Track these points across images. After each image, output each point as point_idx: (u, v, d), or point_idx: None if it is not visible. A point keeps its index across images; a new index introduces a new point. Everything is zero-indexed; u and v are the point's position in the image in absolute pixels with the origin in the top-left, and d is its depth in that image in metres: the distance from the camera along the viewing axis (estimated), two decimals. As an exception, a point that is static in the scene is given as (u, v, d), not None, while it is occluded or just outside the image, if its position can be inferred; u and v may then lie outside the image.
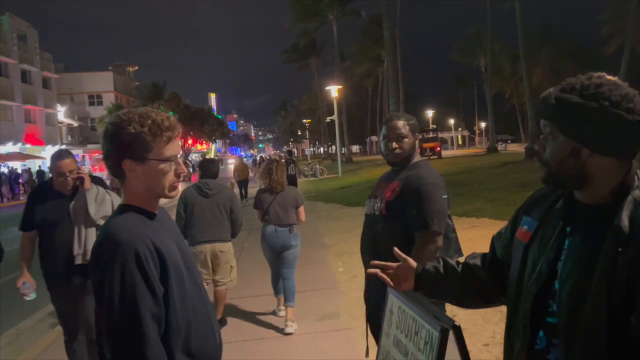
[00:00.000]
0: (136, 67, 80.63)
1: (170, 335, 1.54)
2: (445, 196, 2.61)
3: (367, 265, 2.73)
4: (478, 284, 1.67)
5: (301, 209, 5.27)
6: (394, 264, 1.79)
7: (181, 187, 1.87)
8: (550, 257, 1.34)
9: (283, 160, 6.30)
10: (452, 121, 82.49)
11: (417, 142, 2.73)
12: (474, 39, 53.30)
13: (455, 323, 1.79)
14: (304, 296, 6.07)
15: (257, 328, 5.13)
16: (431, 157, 37.94)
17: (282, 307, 5.23)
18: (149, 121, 1.59)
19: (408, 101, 41.04)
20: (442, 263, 1.74)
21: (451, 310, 4.94)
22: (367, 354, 2.76)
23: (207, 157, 6.65)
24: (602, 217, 1.26)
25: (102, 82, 65.05)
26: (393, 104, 20.05)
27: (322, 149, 78.95)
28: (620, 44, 36.48)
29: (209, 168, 5.14)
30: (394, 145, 2.66)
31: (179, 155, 1.67)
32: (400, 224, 2.54)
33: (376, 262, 1.82)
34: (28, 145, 41.56)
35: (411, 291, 1.87)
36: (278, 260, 5.22)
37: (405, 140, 2.66)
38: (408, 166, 2.67)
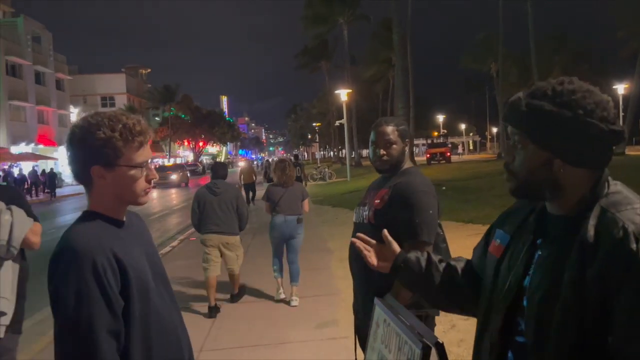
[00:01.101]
0: (149, 70, 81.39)
1: (133, 351, 1.46)
2: (436, 205, 2.51)
3: (355, 275, 2.65)
4: (455, 289, 1.59)
5: (306, 201, 6.24)
6: (372, 241, 1.78)
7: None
8: (519, 272, 1.26)
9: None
10: (463, 126, 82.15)
11: (407, 148, 2.61)
12: (484, 44, 53.00)
13: (439, 340, 1.70)
14: (303, 302, 6.00)
15: (254, 334, 5.06)
16: (441, 162, 39.96)
17: (282, 290, 6.09)
18: (120, 125, 1.50)
19: (418, 105, 40.91)
20: (425, 256, 1.66)
21: (451, 320, 4.84)
22: None
23: (217, 160, 7.26)
24: (570, 228, 1.17)
25: (115, 83, 65.70)
26: (402, 108, 19.92)
27: (332, 153, 78.93)
28: (635, 48, 36.05)
29: (218, 170, 6.09)
30: (382, 152, 2.56)
31: (149, 161, 1.59)
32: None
33: (360, 235, 1.81)
34: (41, 146, 42.00)
35: (397, 303, 1.79)
36: (281, 248, 6.10)
37: (394, 146, 2.55)
38: (398, 173, 2.56)
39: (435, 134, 59.62)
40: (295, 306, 5.82)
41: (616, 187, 1.21)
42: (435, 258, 1.66)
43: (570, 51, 49.61)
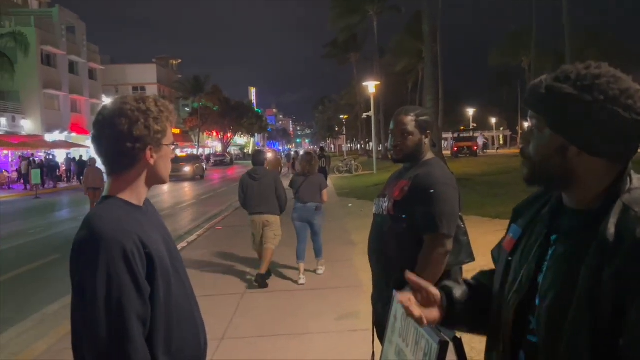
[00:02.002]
0: (179, 60, 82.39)
1: (154, 335, 1.46)
2: (457, 197, 2.45)
3: (373, 266, 2.61)
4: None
5: (324, 192, 6.87)
6: (423, 287, 1.37)
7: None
8: (531, 267, 1.19)
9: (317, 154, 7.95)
10: (493, 120, 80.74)
11: (426, 140, 2.54)
12: (515, 38, 51.90)
13: (457, 335, 1.66)
14: (324, 294, 6.00)
15: (275, 323, 5.08)
16: (467, 155, 41.45)
17: (303, 276, 6.53)
18: (160, 104, 1.55)
19: (447, 98, 40.35)
20: (465, 287, 1.44)
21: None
22: (372, 358, 2.65)
23: (257, 149, 8.93)
24: (588, 224, 1.10)
25: (146, 74, 66.68)
26: (430, 100, 19.57)
27: (359, 146, 78.63)
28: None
29: (257, 158, 6.98)
30: (397, 141, 2.52)
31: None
32: (408, 224, 2.40)
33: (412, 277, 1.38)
34: (74, 134, 43.01)
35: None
36: (305, 230, 6.77)
37: (410, 137, 2.49)
38: (418, 164, 2.51)
39: (462, 128, 59.01)
40: (321, 274, 6.76)
41: (639, 182, 1.13)
42: (474, 282, 1.48)
43: (603, 46, 48.22)
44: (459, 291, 1.42)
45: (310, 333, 4.77)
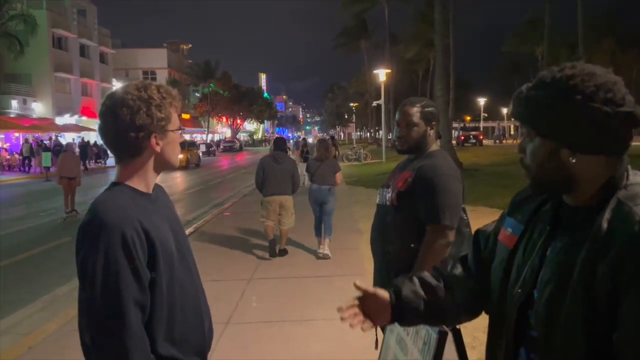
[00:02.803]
0: (190, 45, 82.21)
1: (154, 321, 1.49)
2: (460, 189, 2.46)
3: (375, 256, 2.65)
4: (464, 296, 1.48)
5: (338, 175, 7.65)
6: (354, 301, 1.49)
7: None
8: (535, 264, 1.22)
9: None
10: (504, 110, 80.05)
11: (432, 131, 2.55)
12: (530, 27, 51.25)
13: (456, 326, 1.69)
14: (330, 281, 6.05)
15: (281, 310, 5.15)
16: (474, 144, 44.88)
17: (321, 247, 7.31)
18: (163, 91, 1.56)
19: (458, 88, 40.04)
20: (417, 282, 1.49)
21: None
22: (376, 346, 2.70)
23: (278, 136, 10.49)
24: (586, 220, 1.13)
25: (157, 58, 66.67)
26: (440, 89, 19.42)
27: (368, 134, 78.34)
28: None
29: (280, 144, 7.68)
30: (402, 132, 2.53)
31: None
32: (411, 215, 2.42)
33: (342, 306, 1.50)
34: (84, 118, 43.23)
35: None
36: (320, 210, 7.51)
37: (415, 128, 2.50)
38: (423, 155, 2.52)
39: (468, 118, 59.05)
40: (327, 254, 7.21)
41: (636, 177, 1.15)
42: (428, 277, 1.52)
43: (617, 35, 47.44)
44: (407, 289, 1.48)
45: (316, 319, 4.82)
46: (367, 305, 1.49)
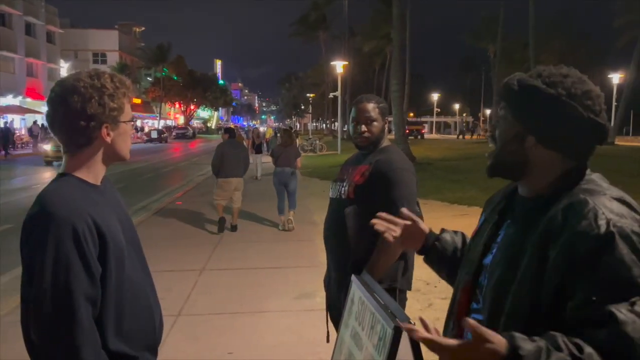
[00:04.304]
0: (142, 28, 79.72)
1: (104, 316, 1.45)
2: (415, 182, 2.56)
3: (329, 250, 2.68)
4: None
5: (299, 159, 8.99)
6: (401, 221, 1.58)
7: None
8: (479, 250, 1.30)
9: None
10: (457, 106, 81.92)
11: (386, 126, 2.64)
12: (485, 24, 52.55)
13: (412, 322, 1.71)
14: (284, 272, 6.05)
15: (234, 301, 5.10)
16: (417, 137, 49.08)
17: (285, 224, 8.42)
18: (117, 80, 1.51)
19: (413, 83, 40.71)
20: (460, 236, 1.61)
21: (429, 298, 4.90)
22: (327, 340, 2.73)
23: (229, 126, 12.05)
24: (538, 208, 1.18)
25: (108, 40, 64.44)
26: (396, 84, 19.67)
27: (324, 125, 78.50)
28: (632, 37, 35.93)
29: (233, 133, 8.86)
30: (363, 128, 2.58)
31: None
32: (367, 208, 2.47)
33: (383, 214, 1.60)
34: (28, 99, 41.27)
35: (373, 281, 1.78)
36: (283, 191, 8.59)
37: (375, 123, 2.58)
38: (377, 150, 2.60)
39: (411, 115, 61.65)
40: (292, 227, 8.39)
41: (593, 178, 1.20)
42: (465, 236, 1.62)
43: (568, 36, 49.30)
44: (448, 234, 1.60)
45: (269, 311, 4.81)
46: (406, 228, 1.57)
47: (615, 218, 1.06)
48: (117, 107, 1.49)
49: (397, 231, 1.57)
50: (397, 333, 1.65)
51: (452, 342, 1.01)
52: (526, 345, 0.97)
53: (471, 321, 0.99)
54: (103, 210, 1.49)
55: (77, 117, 1.44)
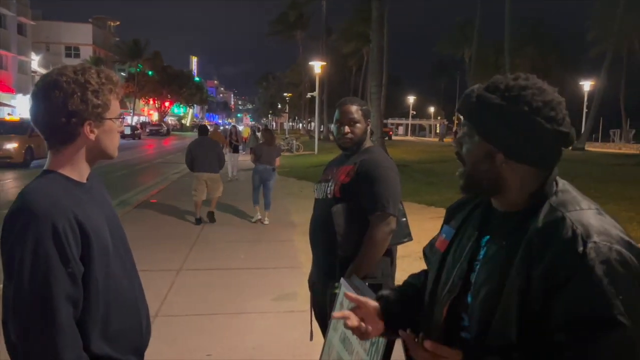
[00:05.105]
0: (117, 22, 78.36)
1: (88, 318, 1.40)
2: (399, 181, 2.62)
3: (315, 249, 2.72)
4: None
5: (278, 159, 9.44)
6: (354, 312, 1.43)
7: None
8: (464, 267, 1.27)
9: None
10: (432, 109, 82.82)
11: (368, 128, 2.71)
12: (461, 30, 53.27)
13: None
14: (263, 273, 6.00)
15: (212, 302, 5.03)
16: (385, 139, 50.05)
17: (258, 215, 9.01)
18: (103, 76, 1.46)
19: (391, 85, 40.93)
20: (396, 292, 1.51)
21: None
22: (311, 338, 2.77)
23: (202, 123, 12.20)
24: (517, 225, 1.18)
25: (81, 34, 63.25)
26: (375, 85, 19.77)
27: (301, 125, 78.39)
28: (604, 49, 36.92)
29: (203, 130, 9.61)
30: (347, 129, 2.65)
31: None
32: (353, 207, 2.53)
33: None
34: (-3, 92, 40.16)
35: (363, 285, 1.76)
36: (260, 186, 9.05)
37: (358, 125, 2.65)
38: (360, 151, 2.67)
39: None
40: (267, 224, 8.80)
41: (564, 186, 1.22)
42: (406, 286, 1.56)
43: (541, 43, 50.37)
44: (392, 297, 1.50)
45: (248, 312, 4.76)
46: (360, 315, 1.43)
47: (593, 237, 1.07)
48: (101, 103, 1.45)
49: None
50: (390, 338, 1.65)
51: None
52: None
53: (429, 344, 1.14)
54: (88, 208, 1.45)
55: (58, 113, 1.41)
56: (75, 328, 1.36)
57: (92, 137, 1.46)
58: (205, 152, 8.70)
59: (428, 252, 1.52)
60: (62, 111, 1.40)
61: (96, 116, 1.45)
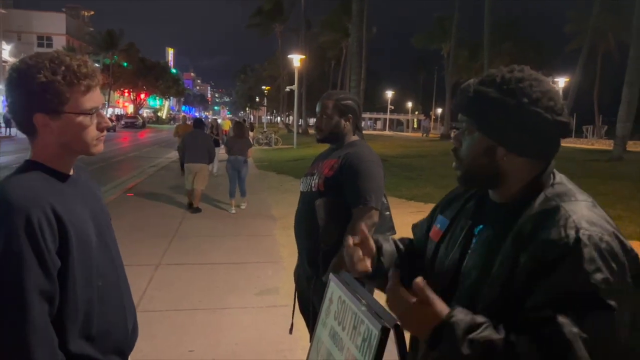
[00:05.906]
0: (92, 12, 76.91)
1: (65, 316, 1.34)
2: (382, 175, 2.64)
3: (300, 242, 2.72)
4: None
5: (250, 150, 10.07)
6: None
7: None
8: (456, 256, 1.29)
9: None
10: (410, 104, 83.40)
11: (347, 123, 2.69)
12: (439, 25, 53.56)
13: (397, 322, 1.68)
14: (245, 268, 5.94)
15: (193, 297, 4.96)
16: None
17: (233, 209, 9.36)
18: (63, 67, 1.35)
19: (369, 79, 41.04)
20: (393, 244, 1.57)
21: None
22: (290, 331, 2.81)
23: (199, 118, 13.25)
24: (509, 215, 1.19)
25: (54, 23, 61.93)
26: (354, 80, 19.79)
27: (279, 118, 78.10)
28: (580, 43, 37.64)
29: (198, 124, 10.15)
30: (319, 122, 2.70)
31: (100, 107, 1.45)
32: (337, 200, 2.55)
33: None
34: (-34, 82, 39.02)
35: (353, 280, 1.74)
36: (235, 177, 9.61)
37: (328, 119, 2.68)
38: (345, 145, 2.68)
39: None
40: (244, 208, 9.51)
41: (561, 179, 1.23)
42: (400, 243, 1.60)
43: (519, 39, 50.97)
44: (387, 246, 1.54)
45: (230, 308, 4.70)
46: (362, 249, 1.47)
47: (585, 225, 1.08)
48: (51, 97, 1.34)
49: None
50: (384, 334, 1.62)
51: (408, 297, 1.14)
52: (461, 315, 1.07)
53: (420, 283, 1.10)
54: (69, 200, 1.39)
55: (12, 104, 1.39)
56: (49, 325, 1.30)
57: (48, 130, 1.38)
58: (197, 144, 9.19)
59: (417, 230, 1.57)
60: (16, 102, 1.38)
61: (50, 109, 1.36)
